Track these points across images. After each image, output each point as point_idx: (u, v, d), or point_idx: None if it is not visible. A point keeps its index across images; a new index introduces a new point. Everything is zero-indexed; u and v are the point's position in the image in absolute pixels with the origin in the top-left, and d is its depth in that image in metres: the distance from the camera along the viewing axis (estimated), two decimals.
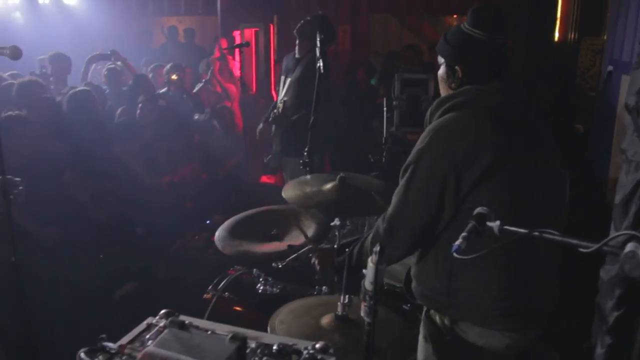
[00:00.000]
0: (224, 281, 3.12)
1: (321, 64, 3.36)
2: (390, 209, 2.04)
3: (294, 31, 4.36)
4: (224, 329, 1.45)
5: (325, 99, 4.21)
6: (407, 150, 2.14)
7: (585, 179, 5.18)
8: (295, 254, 3.03)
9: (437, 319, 2.06)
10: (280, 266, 3.09)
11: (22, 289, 2.75)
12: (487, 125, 1.91)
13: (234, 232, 2.98)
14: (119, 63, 6.32)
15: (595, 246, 1.36)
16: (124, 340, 1.46)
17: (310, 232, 2.97)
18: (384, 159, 4.93)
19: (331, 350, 1.44)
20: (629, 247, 1.25)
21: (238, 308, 3.01)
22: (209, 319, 2.98)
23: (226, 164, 6.16)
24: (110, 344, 1.42)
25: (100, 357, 1.37)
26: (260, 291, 3.04)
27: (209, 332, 1.41)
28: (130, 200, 4.64)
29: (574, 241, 1.43)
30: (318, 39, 3.42)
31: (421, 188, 1.94)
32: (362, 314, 1.61)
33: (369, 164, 5.15)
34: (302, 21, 4.36)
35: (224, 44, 7.09)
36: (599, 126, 5.72)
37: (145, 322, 1.51)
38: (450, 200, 1.91)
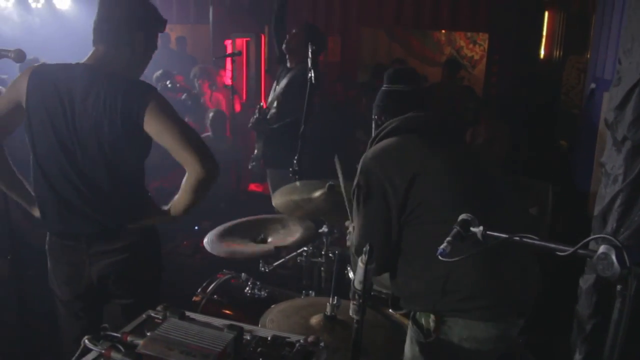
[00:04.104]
0: (213, 284, 3.18)
1: (312, 75, 3.38)
2: (355, 232, 2.25)
3: (283, 48, 4.36)
4: (219, 322, 1.51)
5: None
6: None
7: (567, 193, 5.30)
8: (284, 259, 3.11)
9: (423, 320, 2.14)
10: (267, 270, 3.16)
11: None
12: (409, 140, 2.24)
13: (223, 236, 3.06)
14: None
15: (571, 249, 1.46)
16: (126, 329, 1.51)
17: (296, 236, 3.05)
18: None
19: (322, 344, 1.51)
20: (602, 249, 1.35)
21: (227, 311, 3.05)
22: None
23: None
24: (112, 333, 1.48)
25: (103, 343, 1.43)
26: (248, 294, 3.09)
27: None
28: None
29: (552, 245, 1.53)
30: (310, 50, 3.43)
31: (368, 203, 2.16)
32: (350, 312, 1.68)
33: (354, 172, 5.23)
34: (287, 37, 4.35)
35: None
36: (582, 142, 5.84)
37: (144, 315, 1.56)
38: (394, 203, 2.12)
